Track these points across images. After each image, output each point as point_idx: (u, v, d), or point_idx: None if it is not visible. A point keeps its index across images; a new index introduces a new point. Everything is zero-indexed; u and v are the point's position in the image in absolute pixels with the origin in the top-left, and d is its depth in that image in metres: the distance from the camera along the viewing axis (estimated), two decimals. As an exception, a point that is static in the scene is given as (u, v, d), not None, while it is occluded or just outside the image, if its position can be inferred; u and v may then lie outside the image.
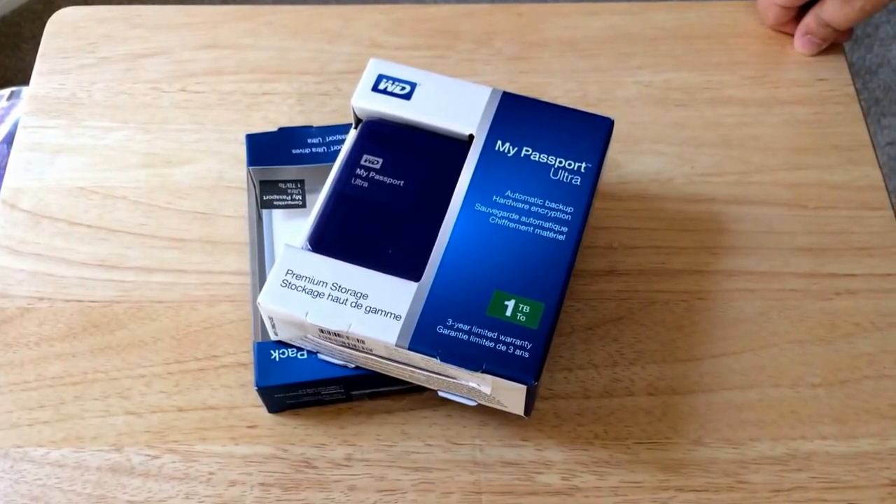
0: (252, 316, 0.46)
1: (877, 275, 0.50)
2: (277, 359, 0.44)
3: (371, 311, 0.40)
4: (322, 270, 0.41)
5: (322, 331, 0.41)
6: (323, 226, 0.43)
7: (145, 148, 0.54)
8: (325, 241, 0.43)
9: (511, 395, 0.41)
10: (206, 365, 0.47)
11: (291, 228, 0.48)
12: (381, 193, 0.44)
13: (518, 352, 0.39)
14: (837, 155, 0.54)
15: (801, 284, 0.50)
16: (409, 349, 0.40)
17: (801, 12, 0.57)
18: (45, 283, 0.49)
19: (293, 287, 0.41)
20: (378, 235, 0.43)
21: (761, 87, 0.57)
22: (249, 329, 0.48)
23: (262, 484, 0.44)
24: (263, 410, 0.46)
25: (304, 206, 0.49)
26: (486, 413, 0.46)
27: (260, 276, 0.47)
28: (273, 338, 0.44)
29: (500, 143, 0.44)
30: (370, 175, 0.44)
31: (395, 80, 0.46)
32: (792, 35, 0.58)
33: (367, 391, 0.45)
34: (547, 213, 0.43)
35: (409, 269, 0.41)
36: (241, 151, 0.53)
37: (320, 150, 0.50)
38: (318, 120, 0.55)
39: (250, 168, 0.49)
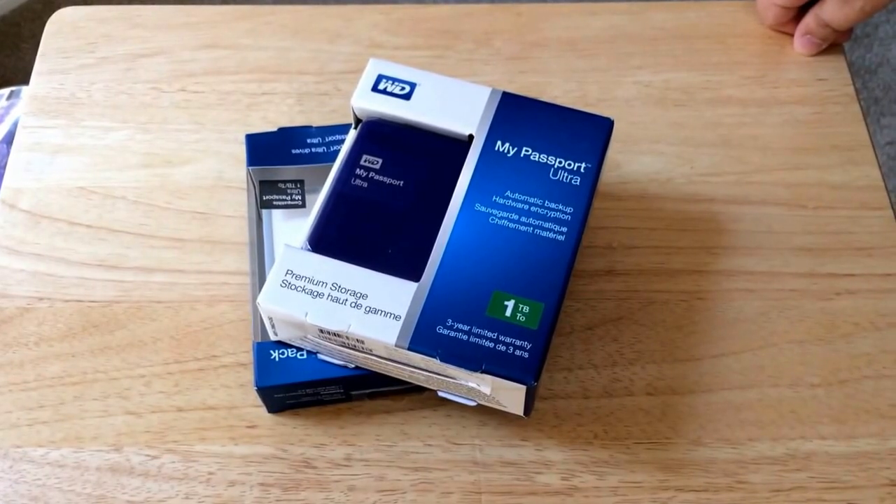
0: (252, 316, 0.47)
1: (876, 275, 0.50)
2: (277, 359, 0.44)
3: (371, 311, 0.40)
4: (322, 270, 0.41)
5: (322, 331, 0.41)
6: (322, 226, 0.43)
7: (145, 148, 0.54)
8: (324, 241, 0.43)
9: (511, 396, 0.41)
10: (205, 365, 0.47)
11: (291, 228, 0.48)
12: (380, 193, 0.44)
13: (518, 352, 0.39)
14: (837, 155, 0.54)
15: (801, 284, 0.50)
16: (409, 349, 0.40)
17: (800, 12, 0.57)
18: (44, 283, 0.49)
19: (293, 287, 0.41)
20: (378, 235, 0.43)
21: (761, 87, 0.57)
22: (249, 329, 0.48)
23: (262, 484, 0.44)
24: (263, 410, 0.46)
25: (303, 206, 0.49)
26: (486, 413, 0.46)
27: (259, 276, 0.47)
28: (273, 338, 0.44)
29: (499, 143, 0.44)
30: (370, 175, 0.44)
31: (394, 80, 0.46)
32: (791, 35, 0.58)
33: (367, 391, 0.45)
34: (546, 213, 0.43)
35: (409, 269, 0.41)
36: (241, 151, 0.53)
37: (320, 150, 0.50)
38: (317, 120, 0.55)
39: (250, 168, 0.49)
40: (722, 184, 0.53)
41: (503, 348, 0.39)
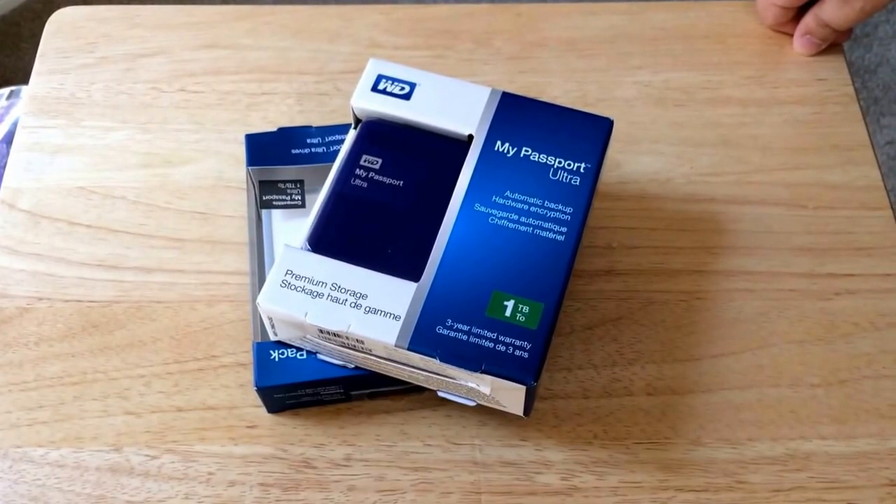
0: (251, 316, 0.47)
1: (876, 275, 0.50)
2: (277, 359, 0.44)
3: (370, 311, 0.40)
4: (321, 271, 0.41)
5: (321, 331, 0.41)
6: (322, 226, 0.43)
7: (145, 148, 0.54)
8: (324, 241, 0.43)
9: (510, 396, 0.41)
10: (205, 365, 0.47)
11: (291, 228, 0.48)
12: (380, 193, 0.44)
13: (517, 352, 0.39)
14: (836, 155, 0.54)
15: (801, 284, 0.50)
16: (409, 349, 0.40)
17: (800, 12, 0.57)
18: (44, 283, 0.49)
19: (292, 287, 0.41)
20: (377, 236, 0.43)
21: (760, 86, 0.57)
22: (249, 329, 0.48)
23: (262, 484, 0.44)
24: (263, 410, 0.46)
25: (303, 206, 0.49)
26: (486, 413, 0.46)
27: (259, 276, 0.47)
28: (272, 338, 0.44)
29: (499, 143, 0.44)
30: (369, 175, 0.44)
31: (394, 80, 0.46)
32: (791, 35, 0.58)
33: (367, 391, 0.45)
34: (546, 213, 0.43)
35: (409, 269, 0.41)
36: (241, 151, 0.53)
37: (320, 150, 0.50)
38: (317, 120, 0.55)
39: (250, 168, 0.49)
40: (722, 184, 0.53)
41: (503, 348, 0.39)
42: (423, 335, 0.40)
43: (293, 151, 0.50)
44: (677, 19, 0.59)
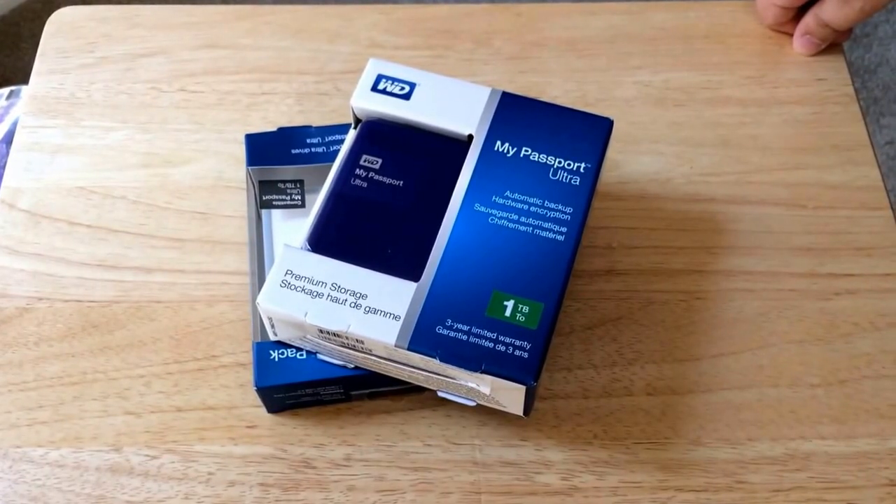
0: (251, 316, 0.47)
1: (876, 275, 0.50)
2: (277, 359, 0.44)
3: (370, 311, 0.40)
4: (321, 270, 0.41)
5: (321, 331, 0.41)
6: (322, 226, 0.43)
7: (144, 148, 0.54)
8: (324, 241, 0.43)
9: (510, 396, 0.41)
10: (205, 365, 0.47)
11: (291, 228, 0.48)
12: (380, 193, 0.44)
13: (517, 352, 0.39)
14: (836, 155, 0.54)
15: (800, 284, 0.50)
16: (409, 349, 0.40)
17: (799, 12, 0.57)
18: (44, 283, 0.49)
19: (292, 287, 0.41)
20: (377, 235, 0.43)
21: (760, 86, 0.57)
22: (249, 329, 0.48)
23: (262, 484, 0.44)
24: (263, 410, 0.46)
25: (303, 206, 0.49)
26: (486, 413, 0.46)
27: (259, 276, 0.47)
28: (272, 338, 0.44)
29: (499, 143, 0.44)
30: (369, 175, 0.44)
31: (394, 80, 0.46)
32: (791, 35, 0.58)
33: (367, 391, 0.45)
34: (546, 213, 0.43)
35: (409, 269, 0.41)
36: (241, 151, 0.53)
37: (319, 150, 0.50)
38: (317, 120, 0.55)
39: (249, 168, 0.49)
40: (721, 184, 0.53)
41: (503, 348, 0.39)
42: (423, 335, 0.40)
43: (293, 151, 0.50)
44: (677, 19, 0.59)
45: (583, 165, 0.44)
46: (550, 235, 0.42)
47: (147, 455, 0.45)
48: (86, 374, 0.47)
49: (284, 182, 0.49)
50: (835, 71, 0.57)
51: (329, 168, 0.46)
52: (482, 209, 0.43)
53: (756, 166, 0.54)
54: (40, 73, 0.57)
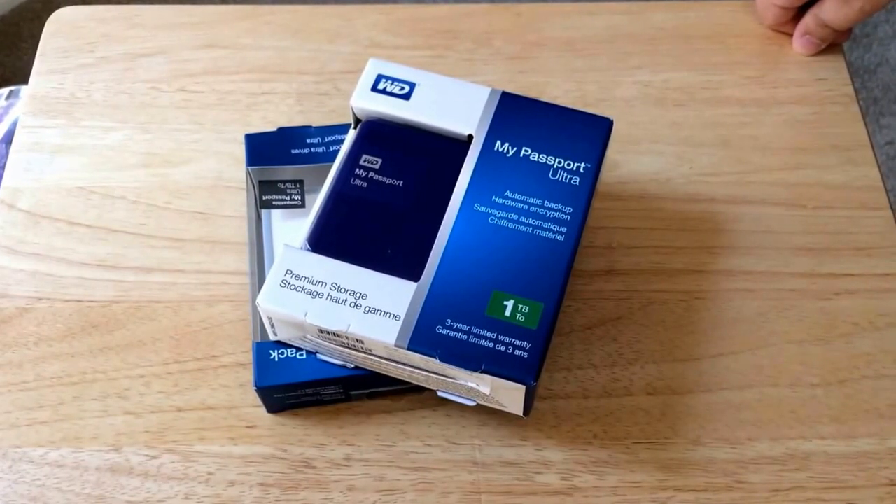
0: (251, 316, 0.47)
1: (875, 275, 0.50)
2: (276, 359, 0.44)
3: (370, 311, 0.40)
4: (321, 270, 0.41)
5: (321, 331, 0.41)
6: (322, 226, 0.43)
7: (144, 148, 0.54)
8: (324, 241, 0.43)
9: (510, 395, 0.41)
10: (204, 365, 0.47)
11: (290, 228, 0.48)
12: (380, 193, 0.44)
13: (517, 352, 0.39)
14: (836, 155, 0.54)
15: (800, 284, 0.50)
16: (408, 349, 0.40)
17: (799, 12, 0.57)
18: (44, 283, 0.49)
19: (292, 287, 0.41)
20: (377, 235, 0.43)
21: (760, 86, 0.57)
22: (248, 329, 0.48)
23: (262, 484, 0.44)
24: (262, 410, 0.46)
25: (303, 206, 0.49)
26: (485, 413, 0.46)
27: (259, 276, 0.47)
28: (272, 338, 0.44)
29: (499, 143, 0.44)
30: (369, 175, 0.44)
31: (394, 80, 0.46)
32: (791, 35, 0.58)
33: (367, 391, 0.45)
34: (546, 213, 0.43)
35: (409, 269, 0.41)
36: (241, 151, 0.53)
37: (319, 150, 0.50)
38: (317, 120, 0.55)
39: (249, 168, 0.49)
40: (721, 184, 0.53)
41: (503, 348, 0.39)
42: (423, 335, 0.40)
43: (293, 151, 0.50)
44: (677, 19, 0.59)
45: (583, 165, 0.44)
46: (550, 235, 0.42)
47: (147, 455, 0.45)
48: (85, 374, 0.47)
49: (284, 182, 0.49)
50: (835, 71, 0.57)
51: (329, 168, 0.46)
52: (482, 209, 0.43)
53: (756, 166, 0.54)
54: (40, 73, 0.57)
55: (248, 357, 0.47)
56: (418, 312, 0.40)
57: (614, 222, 0.52)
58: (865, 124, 0.55)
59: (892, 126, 1.31)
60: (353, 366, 0.43)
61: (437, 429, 0.45)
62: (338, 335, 0.41)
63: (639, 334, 0.48)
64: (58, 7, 0.60)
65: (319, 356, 0.44)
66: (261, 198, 0.49)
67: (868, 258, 0.50)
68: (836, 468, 0.45)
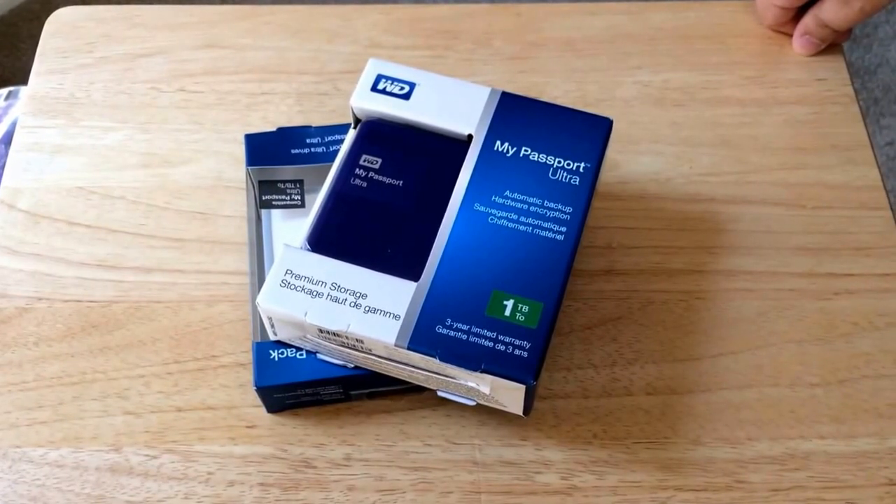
0: (251, 316, 0.47)
1: (875, 275, 0.50)
2: (276, 359, 0.44)
3: (370, 310, 0.40)
4: (321, 270, 0.41)
5: (321, 331, 0.41)
6: (322, 226, 0.43)
7: (144, 148, 0.54)
8: (324, 240, 0.43)
9: (510, 395, 0.41)
10: (204, 365, 0.47)
11: (290, 228, 0.48)
12: (380, 193, 0.44)
13: (517, 351, 0.39)
14: (836, 155, 0.54)
15: (800, 284, 0.50)
16: (408, 349, 0.40)
17: (799, 13, 0.57)
18: (43, 283, 0.49)
19: (292, 287, 0.41)
20: (377, 235, 0.43)
21: (760, 87, 0.57)
22: (248, 329, 0.48)
23: (262, 484, 0.44)
24: (262, 410, 0.46)
25: (303, 206, 0.49)
26: (485, 413, 0.46)
27: (259, 276, 0.47)
28: (272, 338, 0.44)
29: (499, 142, 0.44)
30: (369, 175, 0.44)
31: (394, 80, 0.46)
32: (791, 35, 0.58)
33: (366, 391, 0.45)
34: (546, 212, 0.43)
35: (408, 268, 0.41)
36: (240, 151, 0.53)
37: (319, 150, 0.50)
38: (316, 120, 0.55)
39: (249, 168, 0.49)
40: (721, 184, 0.53)
41: (502, 348, 0.39)
42: (423, 334, 0.40)
43: (293, 151, 0.50)
44: (677, 19, 0.59)
45: (582, 165, 0.44)
46: (550, 235, 0.42)
47: (147, 455, 0.45)
48: (85, 374, 0.47)
49: (284, 182, 0.49)
50: (834, 71, 0.57)
51: (329, 168, 0.46)
52: (482, 209, 0.43)
53: (756, 166, 0.54)
54: (39, 73, 0.57)
55: (248, 357, 0.47)
56: (418, 312, 0.40)
57: (614, 222, 0.52)
58: (865, 124, 0.55)
59: (893, 127, 1.31)
60: (353, 366, 0.43)
61: (437, 429, 0.45)
62: (338, 335, 0.41)
63: (639, 334, 0.48)
64: (56, 7, 0.60)
65: (319, 356, 0.44)
66: (261, 198, 0.49)
67: (868, 258, 0.50)
68: (836, 468, 0.45)
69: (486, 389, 0.41)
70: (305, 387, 0.44)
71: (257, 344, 0.44)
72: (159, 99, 0.56)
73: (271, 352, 0.44)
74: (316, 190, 0.48)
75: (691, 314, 0.49)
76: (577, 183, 0.43)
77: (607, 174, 0.53)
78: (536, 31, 0.59)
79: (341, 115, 0.55)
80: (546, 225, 0.42)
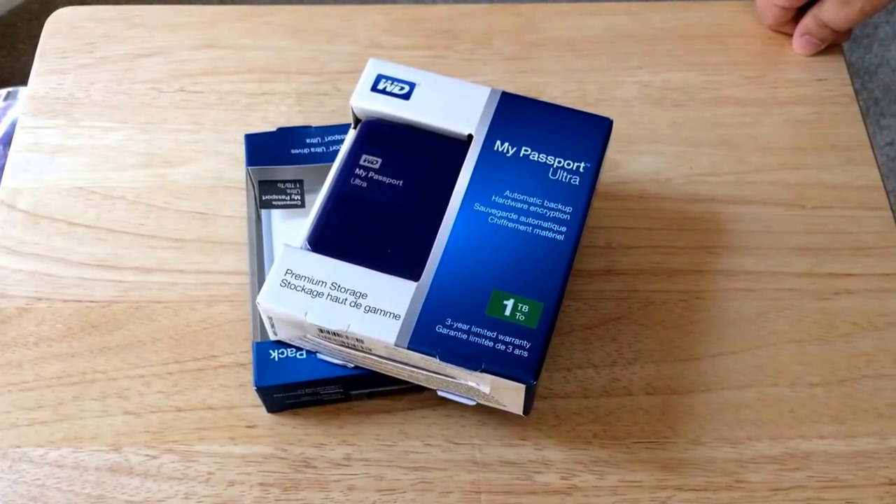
0: (251, 316, 0.47)
1: (875, 274, 0.50)
2: (276, 359, 0.44)
3: (370, 310, 0.40)
4: (321, 270, 0.41)
5: (321, 330, 0.41)
6: (322, 226, 0.43)
7: (144, 148, 0.54)
8: (324, 240, 0.43)
9: (510, 395, 0.41)
10: (204, 365, 0.47)
11: (290, 228, 0.48)
12: (380, 193, 0.44)
13: (517, 351, 0.39)
14: (836, 155, 0.54)
15: (800, 284, 0.50)
16: (409, 349, 0.40)
17: (799, 13, 0.57)
18: (43, 284, 0.49)
19: (292, 287, 0.41)
20: (377, 235, 0.43)
21: (760, 87, 0.57)
22: (248, 329, 0.48)
23: (262, 484, 0.44)
24: (262, 410, 0.46)
25: (302, 205, 0.49)
26: (485, 412, 0.46)
27: (259, 276, 0.47)
28: (272, 337, 0.44)
29: (499, 142, 0.44)
30: (369, 175, 0.44)
31: (394, 80, 0.46)
32: (791, 35, 0.58)
33: (366, 391, 0.45)
34: (546, 212, 0.43)
35: (409, 268, 0.41)
36: (240, 151, 0.53)
37: (319, 150, 0.50)
38: (316, 120, 0.55)
39: (249, 168, 0.49)
40: (721, 184, 0.53)
41: (503, 347, 0.39)
42: (423, 334, 0.40)
43: (293, 151, 0.50)
44: (677, 19, 0.59)
45: (582, 165, 0.44)
46: (550, 235, 0.42)
47: (147, 455, 0.45)
48: (85, 375, 0.47)
49: (284, 182, 0.49)
50: (834, 71, 0.57)
51: (329, 168, 0.46)
52: (482, 209, 0.43)
53: (756, 166, 0.54)
54: (39, 73, 0.57)
55: (248, 357, 0.47)
56: (418, 312, 0.40)
57: (614, 222, 0.52)
58: (865, 124, 0.55)
59: (893, 127, 1.31)
60: (353, 365, 0.43)
61: (437, 428, 0.45)
62: (338, 335, 0.41)
63: (638, 334, 0.48)
64: (55, 8, 0.60)
65: (319, 356, 0.44)
66: (261, 198, 0.49)
67: (868, 258, 0.50)
68: (836, 467, 0.45)
69: (486, 389, 0.41)
70: (305, 387, 0.44)
71: (257, 344, 0.44)
72: (159, 99, 0.56)
73: (271, 352, 0.44)
74: (316, 190, 0.48)
75: (691, 314, 0.49)
76: (577, 183, 0.43)
77: (607, 174, 0.53)
78: (536, 31, 0.59)
79: (341, 115, 0.55)
80: (546, 225, 0.42)
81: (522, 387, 0.39)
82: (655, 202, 0.52)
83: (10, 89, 0.80)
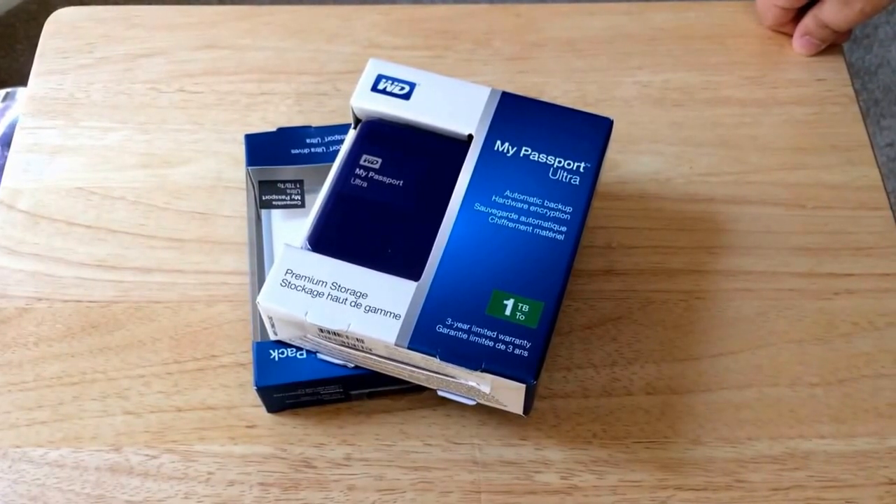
0: (251, 316, 0.47)
1: (875, 274, 0.50)
2: (276, 358, 0.44)
3: (370, 310, 0.40)
4: (321, 270, 0.41)
5: (321, 330, 0.41)
6: (322, 225, 0.43)
7: (144, 148, 0.54)
8: (324, 240, 0.43)
9: (510, 395, 0.41)
10: (204, 365, 0.47)
11: (290, 228, 0.48)
12: (380, 193, 0.44)
13: (517, 351, 0.39)
14: (836, 155, 0.54)
15: (800, 284, 0.50)
16: (409, 348, 0.40)
17: (799, 13, 0.57)
18: (43, 284, 0.49)
19: (292, 287, 0.41)
20: (377, 235, 0.43)
21: (760, 87, 0.57)
22: (248, 329, 0.48)
23: (262, 484, 0.44)
24: (262, 410, 0.46)
25: (303, 206, 0.49)
26: (485, 412, 0.46)
27: (259, 276, 0.47)
28: (272, 337, 0.44)
29: (499, 142, 0.44)
30: (369, 175, 0.44)
31: (394, 80, 0.46)
32: (791, 35, 0.58)
33: (367, 391, 0.45)
34: (546, 212, 0.43)
35: (409, 268, 0.41)
36: (240, 151, 0.53)
37: (319, 150, 0.50)
38: (316, 120, 0.55)
39: (249, 168, 0.49)
40: (721, 184, 0.53)
41: (503, 347, 0.39)
42: (424, 334, 0.40)
43: (293, 151, 0.50)
44: (677, 19, 0.59)
45: (582, 165, 0.44)
46: (550, 235, 0.42)
47: (147, 455, 0.45)
48: (85, 375, 0.47)
49: (284, 182, 0.49)
50: (834, 71, 0.57)
51: (329, 168, 0.46)
52: (482, 209, 0.43)
53: (755, 166, 0.54)
54: (39, 73, 0.57)
55: (248, 357, 0.47)
56: (418, 311, 0.40)
57: (614, 222, 0.52)
58: (865, 125, 0.55)
59: (893, 128, 1.31)
60: (353, 365, 0.43)
61: (437, 428, 0.45)
62: (338, 334, 0.41)
63: (638, 334, 0.48)
64: (54, 8, 0.60)
65: (319, 356, 0.44)
66: (261, 198, 0.49)
67: (867, 258, 0.50)
68: (836, 467, 0.45)
69: (486, 389, 0.41)
70: (305, 386, 0.44)
71: (257, 344, 0.44)
72: (159, 99, 0.56)
73: (271, 352, 0.44)
74: (316, 190, 0.48)
75: (691, 314, 0.49)
76: (577, 183, 0.43)
77: (607, 174, 0.53)
78: (536, 32, 0.59)
79: (341, 115, 0.55)
80: (546, 225, 0.42)
81: (522, 386, 0.39)
82: (655, 202, 0.52)
83: (8, 90, 0.80)
